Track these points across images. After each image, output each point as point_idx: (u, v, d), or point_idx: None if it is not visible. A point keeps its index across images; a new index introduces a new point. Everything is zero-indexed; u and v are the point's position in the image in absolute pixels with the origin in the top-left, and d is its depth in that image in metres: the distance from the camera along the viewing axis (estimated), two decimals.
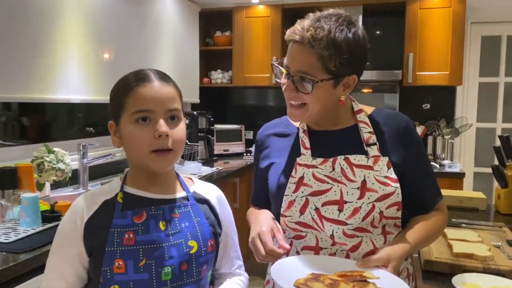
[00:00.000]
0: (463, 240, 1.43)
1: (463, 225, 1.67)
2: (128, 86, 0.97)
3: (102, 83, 2.68)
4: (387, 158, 1.08)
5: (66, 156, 2.15)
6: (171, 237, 0.97)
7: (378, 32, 3.89)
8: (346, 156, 1.08)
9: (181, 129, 1.00)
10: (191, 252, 0.98)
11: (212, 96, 4.24)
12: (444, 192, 2.08)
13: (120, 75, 1.03)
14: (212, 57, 4.29)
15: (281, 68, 1.10)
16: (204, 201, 1.07)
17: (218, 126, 3.74)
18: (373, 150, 1.09)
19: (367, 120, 1.13)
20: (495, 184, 2.18)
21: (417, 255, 1.37)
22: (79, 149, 2.41)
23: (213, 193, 1.11)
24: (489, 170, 2.33)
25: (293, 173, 1.10)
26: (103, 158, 2.47)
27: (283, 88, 1.09)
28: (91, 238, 0.95)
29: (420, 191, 1.14)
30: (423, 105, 3.79)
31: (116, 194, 1.00)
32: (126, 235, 0.94)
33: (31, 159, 2.04)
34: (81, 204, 0.99)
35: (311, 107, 1.07)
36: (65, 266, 0.96)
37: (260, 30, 3.87)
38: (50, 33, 2.28)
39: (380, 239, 1.08)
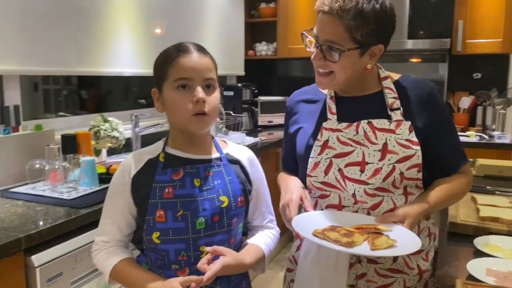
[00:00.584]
0: (493, 206, 1.45)
1: (497, 192, 1.68)
2: (170, 57, 1.08)
3: (152, 57, 2.81)
4: (409, 122, 1.13)
5: (120, 125, 2.34)
6: (204, 192, 1.08)
7: (426, 1, 3.75)
8: (370, 120, 1.14)
9: (215, 97, 1.10)
10: (222, 206, 1.09)
11: (257, 68, 4.31)
12: (484, 161, 2.08)
13: None
14: (257, 29, 4.34)
15: (310, 37, 1.16)
16: (235, 161, 1.18)
17: (262, 98, 3.83)
18: (397, 115, 1.14)
19: (392, 86, 1.18)
20: None
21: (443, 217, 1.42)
22: (132, 119, 2.61)
23: (244, 155, 1.21)
24: None
25: (318, 137, 1.18)
26: (153, 127, 2.66)
27: (312, 56, 1.16)
28: (137, 191, 1.09)
29: (444, 155, 1.18)
30: (474, 75, 3.65)
31: (159, 154, 1.13)
32: (166, 189, 1.07)
33: (89, 128, 2.25)
34: (129, 161, 1.13)
35: (338, 75, 1.13)
36: (117, 214, 1.11)
37: (304, 1, 3.87)
38: (103, 10, 2.45)
39: (401, 199, 1.14)
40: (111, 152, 2.48)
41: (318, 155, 1.17)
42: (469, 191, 1.66)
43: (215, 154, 1.16)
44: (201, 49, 1.11)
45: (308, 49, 1.18)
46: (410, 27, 3.60)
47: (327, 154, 1.16)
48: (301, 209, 1.16)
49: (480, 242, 1.22)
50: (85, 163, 1.82)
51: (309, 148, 1.20)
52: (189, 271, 1.06)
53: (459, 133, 3.27)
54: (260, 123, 3.84)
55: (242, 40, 4.04)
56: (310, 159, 1.18)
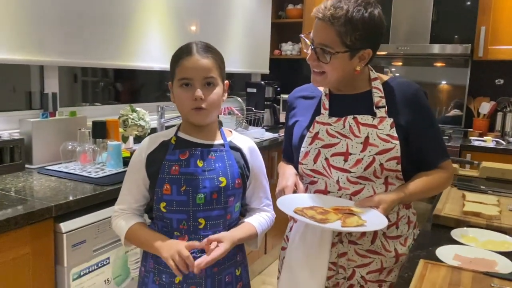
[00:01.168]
0: (479, 202, 1.55)
1: (489, 191, 1.76)
2: (176, 58, 1.26)
3: None
4: (391, 119, 1.25)
5: (146, 115, 2.55)
6: (206, 172, 1.25)
7: (450, 6, 3.79)
8: (355, 116, 1.28)
9: (215, 93, 1.24)
10: (221, 185, 1.25)
11: (282, 67, 4.46)
12: (488, 164, 2.15)
13: None
14: (284, 29, 4.48)
15: (307, 40, 1.30)
16: (237, 149, 1.33)
17: (284, 96, 3.97)
18: (381, 112, 1.27)
19: (380, 87, 1.31)
20: None
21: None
22: (158, 110, 2.82)
23: (246, 144, 1.37)
24: None
25: (311, 129, 1.32)
26: (177, 118, 2.86)
27: (307, 57, 1.30)
28: (150, 166, 1.27)
29: (424, 150, 1.30)
30: (496, 81, 3.67)
31: (171, 138, 1.30)
32: (173, 167, 1.24)
33: (118, 116, 2.46)
34: (146, 142, 1.32)
35: (330, 75, 1.27)
36: (133, 186, 1.30)
37: None
38: (137, 10, 2.66)
39: (382, 188, 1.27)
40: (138, 140, 2.69)
41: (309, 145, 1.31)
42: (462, 190, 1.77)
43: (219, 141, 1.33)
44: (204, 50, 1.24)
45: (305, 51, 1.32)
46: (433, 32, 3.66)
47: (316, 144, 1.30)
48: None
49: (457, 233, 1.33)
50: (112, 147, 2.03)
51: (302, 138, 1.34)
52: (188, 238, 1.23)
53: (476, 138, 3.33)
54: (281, 120, 3.98)
55: (268, 39, 4.20)
56: (302, 149, 1.33)
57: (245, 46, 3.80)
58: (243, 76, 4.16)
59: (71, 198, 1.61)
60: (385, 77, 1.35)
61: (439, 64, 3.92)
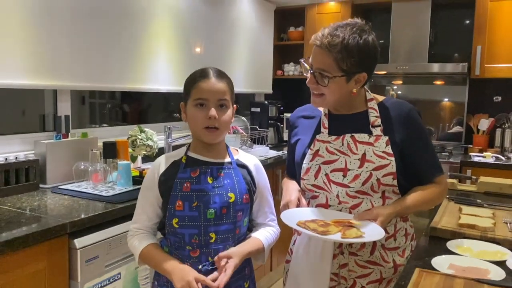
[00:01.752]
0: (475, 215, 1.61)
1: (485, 205, 1.83)
2: (194, 80, 1.35)
3: (185, 75, 3.13)
4: (387, 137, 1.34)
5: (154, 135, 2.65)
6: (216, 189, 1.33)
7: (445, 26, 3.91)
8: (353, 134, 1.36)
9: (227, 115, 1.34)
10: (230, 201, 1.33)
11: (285, 87, 4.58)
12: (485, 179, 2.22)
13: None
14: (286, 51, 4.61)
15: (306, 65, 1.40)
16: (243, 166, 1.42)
17: (287, 115, 4.08)
18: (377, 131, 1.35)
19: (376, 107, 1.40)
20: None
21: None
22: (165, 131, 2.92)
23: (251, 162, 1.45)
24: None
25: (311, 147, 1.41)
26: (184, 138, 2.95)
27: (307, 80, 1.39)
28: (163, 185, 1.35)
29: (419, 166, 1.38)
30: (494, 98, 3.76)
31: (182, 157, 1.39)
32: (185, 184, 1.32)
33: (127, 137, 2.56)
34: (158, 162, 1.40)
35: (328, 97, 1.36)
36: (147, 205, 1.38)
37: None
38: (143, 33, 2.79)
39: (379, 202, 1.34)
40: (146, 159, 2.78)
41: (310, 161, 1.40)
42: (459, 204, 1.84)
43: (227, 159, 1.41)
44: (219, 75, 1.35)
45: (305, 74, 1.41)
46: (431, 51, 3.78)
47: (317, 161, 1.39)
48: None
49: (453, 244, 1.39)
50: (121, 166, 2.12)
51: (304, 155, 1.43)
52: (200, 252, 1.31)
53: (476, 154, 3.40)
54: (285, 138, 4.07)
55: (271, 61, 4.33)
56: (303, 165, 1.41)
57: (249, 67, 3.92)
58: (247, 96, 4.28)
59: (83, 215, 1.69)
60: (380, 98, 1.44)
61: (438, 82, 4.02)
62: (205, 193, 1.32)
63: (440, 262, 1.25)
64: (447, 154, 3.54)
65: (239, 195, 1.35)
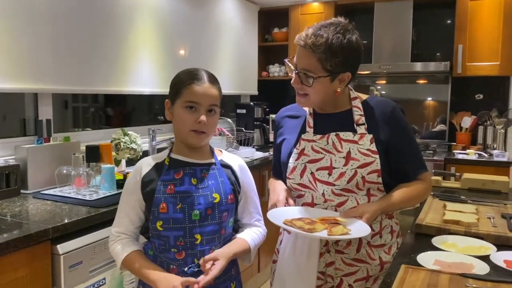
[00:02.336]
0: (459, 211, 1.63)
1: (469, 201, 1.85)
2: (187, 80, 1.32)
3: (169, 77, 3.11)
4: (371, 135, 1.34)
5: (138, 138, 2.62)
6: (200, 190, 1.31)
7: (427, 25, 3.96)
8: (337, 133, 1.36)
9: (215, 119, 1.33)
10: (215, 201, 1.32)
11: (270, 88, 4.58)
12: (469, 175, 2.25)
13: None
14: (271, 52, 4.62)
15: (291, 65, 1.39)
16: (227, 166, 1.41)
17: (273, 116, 4.07)
18: (361, 129, 1.36)
19: (359, 105, 1.40)
20: None
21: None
22: (149, 133, 2.89)
23: (235, 162, 1.44)
24: None
25: (297, 146, 1.41)
26: (168, 141, 2.92)
27: (292, 81, 1.39)
28: (145, 188, 1.33)
29: (403, 163, 1.38)
30: (476, 96, 3.82)
31: (165, 159, 1.37)
32: (169, 186, 1.30)
33: (111, 140, 2.53)
34: (140, 164, 1.38)
35: (313, 96, 1.36)
36: (129, 208, 1.35)
37: None
38: (126, 35, 2.76)
39: (364, 199, 1.35)
40: (130, 162, 2.75)
41: (296, 160, 1.39)
42: (444, 200, 1.86)
43: (210, 160, 1.40)
44: (213, 80, 1.34)
45: (289, 74, 1.41)
46: (414, 51, 3.82)
47: (302, 160, 1.38)
48: None
49: (438, 240, 1.40)
50: (105, 170, 2.09)
51: (290, 155, 1.42)
52: (185, 254, 1.29)
53: (460, 151, 3.45)
54: (271, 139, 4.07)
55: (256, 62, 4.33)
56: (289, 164, 1.41)
57: (234, 68, 3.91)
58: (232, 98, 4.27)
59: (67, 220, 1.65)
60: (364, 96, 1.44)
61: (421, 81, 4.07)
62: (189, 195, 1.30)
63: (425, 258, 1.26)
64: (431, 152, 3.58)
65: (224, 196, 1.34)
